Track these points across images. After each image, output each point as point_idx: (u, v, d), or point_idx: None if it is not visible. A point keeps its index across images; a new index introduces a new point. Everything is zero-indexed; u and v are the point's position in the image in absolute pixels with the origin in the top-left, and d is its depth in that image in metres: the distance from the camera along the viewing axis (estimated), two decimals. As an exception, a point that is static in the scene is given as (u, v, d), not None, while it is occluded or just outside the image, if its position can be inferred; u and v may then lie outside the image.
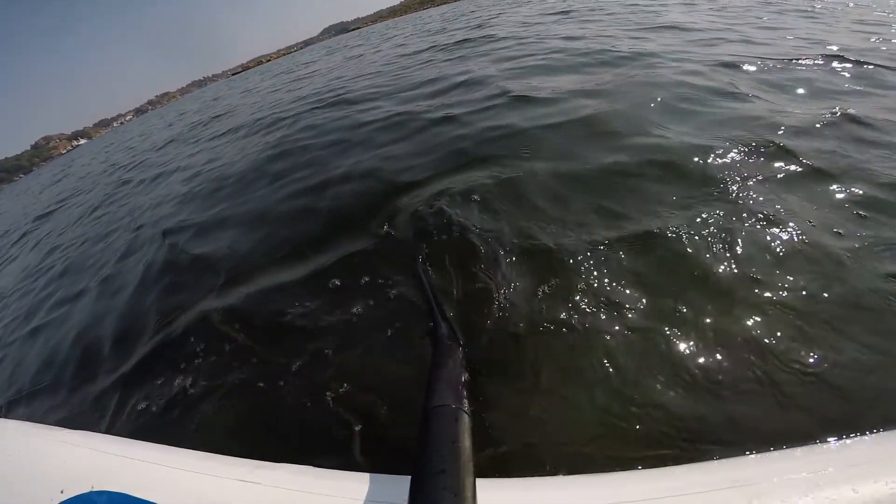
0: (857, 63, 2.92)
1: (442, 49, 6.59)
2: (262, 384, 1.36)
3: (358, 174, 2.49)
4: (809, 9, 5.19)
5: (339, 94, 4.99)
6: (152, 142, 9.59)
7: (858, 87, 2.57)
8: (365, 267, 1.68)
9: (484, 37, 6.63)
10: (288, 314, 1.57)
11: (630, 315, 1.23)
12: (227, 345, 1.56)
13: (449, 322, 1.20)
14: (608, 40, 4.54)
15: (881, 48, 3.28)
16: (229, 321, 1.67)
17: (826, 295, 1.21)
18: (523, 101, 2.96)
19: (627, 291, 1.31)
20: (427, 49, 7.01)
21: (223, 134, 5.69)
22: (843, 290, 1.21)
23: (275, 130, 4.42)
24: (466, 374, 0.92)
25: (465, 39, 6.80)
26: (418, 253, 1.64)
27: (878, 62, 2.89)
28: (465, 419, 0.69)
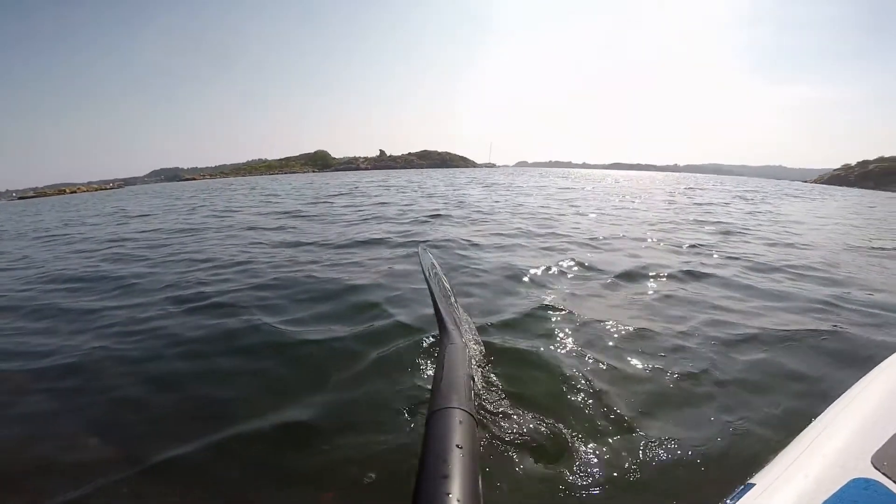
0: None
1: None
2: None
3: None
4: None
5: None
6: None
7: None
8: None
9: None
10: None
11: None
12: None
13: (455, 324, 1.18)
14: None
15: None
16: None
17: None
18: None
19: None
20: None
21: None
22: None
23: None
24: (473, 377, 0.89)
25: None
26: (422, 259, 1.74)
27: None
28: (471, 422, 0.69)
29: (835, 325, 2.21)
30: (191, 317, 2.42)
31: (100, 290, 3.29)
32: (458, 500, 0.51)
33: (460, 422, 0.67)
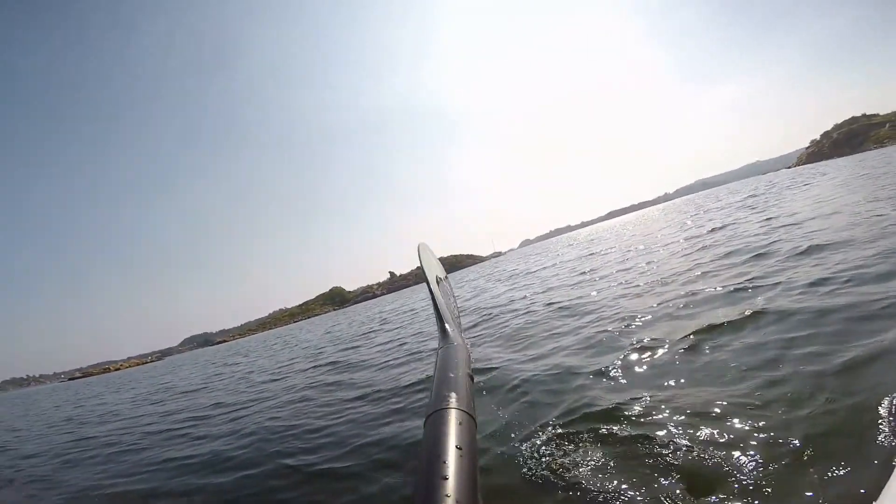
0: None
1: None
2: None
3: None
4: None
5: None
6: None
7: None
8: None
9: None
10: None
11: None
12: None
13: (455, 324, 1.19)
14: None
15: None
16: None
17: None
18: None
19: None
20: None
21: None
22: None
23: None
24: (471, 377, 0.86)
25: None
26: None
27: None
28: (470, 423, 0.65)
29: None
30: (318, 483, 2.73)
31: (215, 463, 3.65)
32: (458, 502, 0.51)
33: (460, 423, 0.67)
